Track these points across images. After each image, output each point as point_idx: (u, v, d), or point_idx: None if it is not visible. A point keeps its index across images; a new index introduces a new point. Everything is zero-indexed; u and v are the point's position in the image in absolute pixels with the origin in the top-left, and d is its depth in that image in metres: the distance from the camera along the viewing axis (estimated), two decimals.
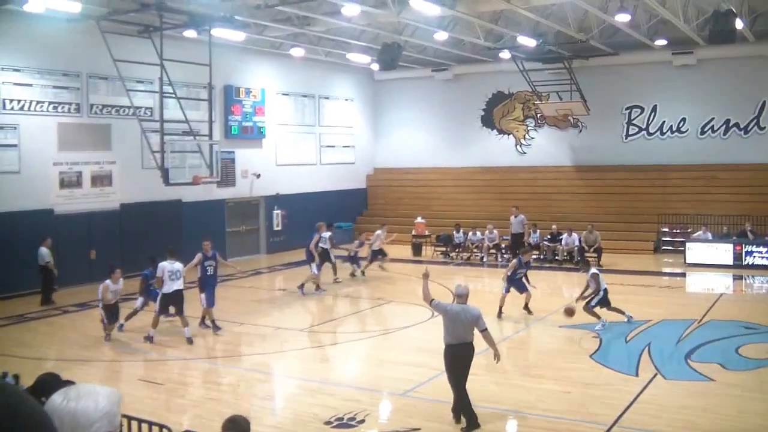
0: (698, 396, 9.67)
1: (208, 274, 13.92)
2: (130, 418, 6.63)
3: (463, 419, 8.55)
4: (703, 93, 24.41)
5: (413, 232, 24.46)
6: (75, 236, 18.25)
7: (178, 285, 12.89)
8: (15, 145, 17.68)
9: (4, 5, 15.92)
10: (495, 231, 22.86)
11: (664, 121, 25.28)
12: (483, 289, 15.06)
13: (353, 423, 8.78)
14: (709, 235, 21.46)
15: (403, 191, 28.92)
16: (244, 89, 23.75)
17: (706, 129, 24.57)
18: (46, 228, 17.23)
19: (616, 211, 24.58)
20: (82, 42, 18.26)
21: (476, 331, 8.62)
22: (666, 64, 24.40)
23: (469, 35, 22.13)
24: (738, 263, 20.32)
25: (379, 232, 20.34)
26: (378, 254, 20.12)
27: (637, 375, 10.60)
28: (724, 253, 20.58)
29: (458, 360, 8.52)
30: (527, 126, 27.89)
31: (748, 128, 23.91)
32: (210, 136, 18.17)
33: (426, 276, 8.95)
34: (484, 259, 22.69)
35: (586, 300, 13.50)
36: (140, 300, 13.98)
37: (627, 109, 25.82)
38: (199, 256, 13.91)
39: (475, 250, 23.13)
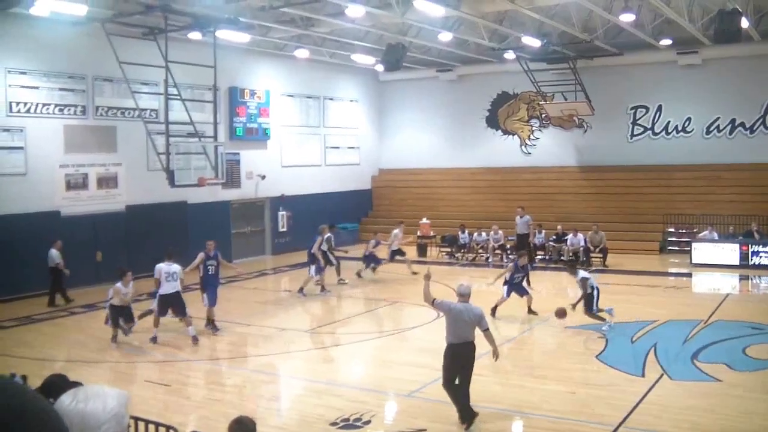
0: (705, 396, 9.64)
1: (210, 273, 14.01)
2: (136, 419, 6.65)
3: (461, 418, 8.54)
4: (709, 93, 24.36)
5: (418, 233, 24.46)
6: (81, 238, 18.28)
7: (174, 287, 12.91)
8: (21, 148, 17.76)
9: (10, 9, 15.98)
10: (500, 232, 22.84)
11: (669, 121, 25.23)
12: (488, 290, 15.03)
13: (359, 424, 8.79)
14: (715, 235, 21.39)
15: (408, 192, 28.92)
16: (248, 91, 23.80)
17: (711, 129, 24.51)
18: (53, 230, 17.29)
19: (621, 212, 24.53)
20: (87, 44, 18.33)
21: (477, 331, 8.64)
22: (671, 64, 24.36)
23: (474, 36, 22.13)
24: (744, 263, 20.26)
25: (396, 231, 20.26)
26: (396, 254, 20.00)
27: (643, 375, 10.58)
28: (730, 253, 20.52)
29: (458, 358, 8.55)
30: (532, 126, 27.88)
31: (754, 128, 23.85)
32: (215, 137, 18.22)
33: (428, 277, 8.96)
34: (490, 260, 22.68)
35: (586, 306, 13.40)
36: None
37: (632, 109, 25.78)
38: (201, 256, 13.98)
39: (480, 251, 23.12)
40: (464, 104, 28.58)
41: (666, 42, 22.61)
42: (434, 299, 8.76)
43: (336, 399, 9.84)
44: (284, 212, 24.94)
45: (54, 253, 16.57)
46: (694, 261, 20.87)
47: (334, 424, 8.80)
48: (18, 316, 15.42)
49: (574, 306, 13.48)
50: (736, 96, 23.78)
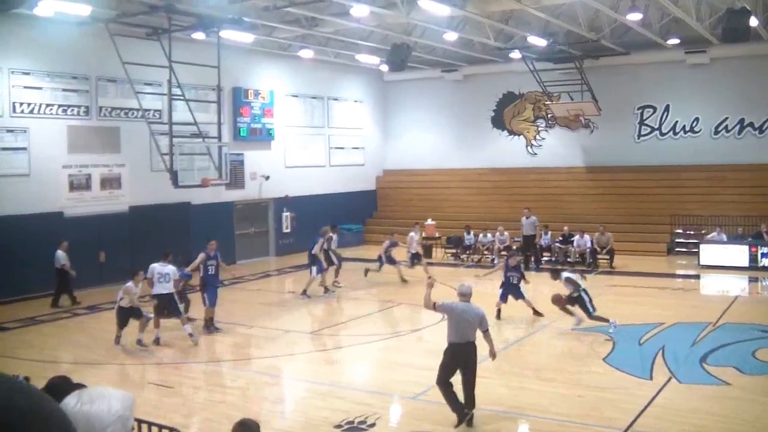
0: (714, 400, 9.60)
1: (210, 273, 14.04)
2: (140, 421, 6.65)
3: (459, 420, 8.56)
4: (717, 92, 24.29)
5: (423, 234, 24.41)
6: (84, 239, 18.29)
7: (167, 288, 12.94)
8: (25, 148, 17.81)
9: (12, 10, 16.02)
10: (506, 233, 22.80)
11: (676, 121, 25.16)
12: (494, 292, 14.97)
13: (364, 426, 8.78)
14: (724, 237, 21.31)
15: (413, 193, 28.90)
16: (252, 91, 23.82)
17: (719, 129, 24.44)
18: (56, 231, 17.33)
19: (628, 213, 24.47)
20: (91, 45, 18.38)
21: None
22: (679, 64, 24.30)
23: (479, 35, 22.11)
24: (753, 265, 20.17)
25: (412, 234, 20.05)
26: (415, 258, 19.68)
27: (651, 378, 10.54)
28: (739, 254, 20.43)
29: (458, 358, 8.57)
30: (538, 127, 27.84)
31: (763, 128, 23.77)
32: (219, 138, 18.24)
33: (430, 285, 9.01)
34: (495, 261, 22.59)
35: (585, 312, 13.34)
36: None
37: (639, 109, 25.72)
38: (202, 256, 14.04)
39: (485, 252, 23.08)
40: (469, 104, 28.56)
41: (673, 41, 22.55)
42: (434, 303, 8.81)
43: (340, 401, 9.83)
44: (288, 213, 24.94)
45: (60, 254, 16.60)
46: (702, 263, 20.77)
47: (338, 426, 8.79)
48: (21, 318, 15.45)
49: (566, 302, 13.42)
50: (744, 96, 23.70)
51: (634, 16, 18.51)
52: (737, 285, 19.01)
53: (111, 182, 19.76)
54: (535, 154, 27.86)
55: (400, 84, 29.61)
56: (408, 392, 10.14)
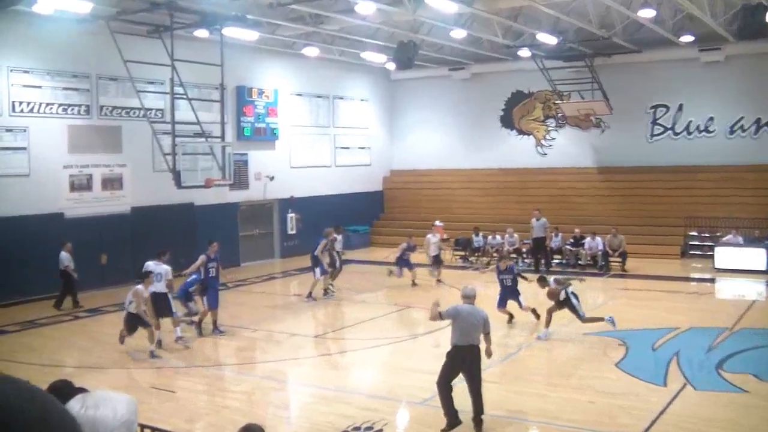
0: (731, 408, 9.53)
1: (211, 276, 14.08)
2: (143, 426, 6.64)
3: (446, 424, 8.57)
4: (732, 91, 24.18)
5: (440, 236, 24.36)
6: (85, 240, 18.35)
7: (159, 288, 13.04)
8: (24, 148, 17.86)
9: (13, 6, 16.08)
10: (515, 235, 22.76)
11: (690, 121, 25.07)
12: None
13: None
14: (740, 239, 21.22)
15: (421, 194, 28.89)
16: (256, 90, 23.85)
17: (735, 128, 24.33)
18: (56, 232, 17.37)
19: (641, 215, 24.39)
20: (91, 43, 18.43)
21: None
22: (693, 61, 24.20)
23: (488, 33, 22.08)
24: None
25: (429, 236, 19.99)
26: (437, 260, 19.66)
27: (665, 385, 10.48)
28: (755, 257, 20.30)
29: (461, 361, 8.60)
30: (548, 126, 27.78)
31: None
32: (222, 137, 18.26)
33: (436, 305, 9.03)
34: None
35: (577, 317, 13.27)
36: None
37: (652, 108, 25.64)
38: (203, 258, 14.07)
39: (494, 255, 23.01)
40: (478, 103, 28.53)
41: (687, 38, 22.45)
42: (440, 312, 8.88)
43: (346, 407, 9.81)
44: (293, 214, 24.95)
45: (64, 255, 16.62)
46: (717, 266, 20.68)
47: None
48: (21, 321, 15.48)
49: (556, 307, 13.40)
50: (760, 94, 23.58)
51: (647, 13, 18.45)
52: (754, 289, 18.90)
53: (112, 183, 19.80)
54: (545, 154, 27.81)
55: (407, 82, 29.61)
56: (415, 397, 10.11)
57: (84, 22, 17.30)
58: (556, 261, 22.24)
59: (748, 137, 24.12)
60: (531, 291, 14.67)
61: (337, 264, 18.56)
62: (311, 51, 23.96)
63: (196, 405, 10.33)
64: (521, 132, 28.23)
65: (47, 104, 18.30)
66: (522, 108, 28.13)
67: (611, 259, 21.39)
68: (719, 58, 23.80)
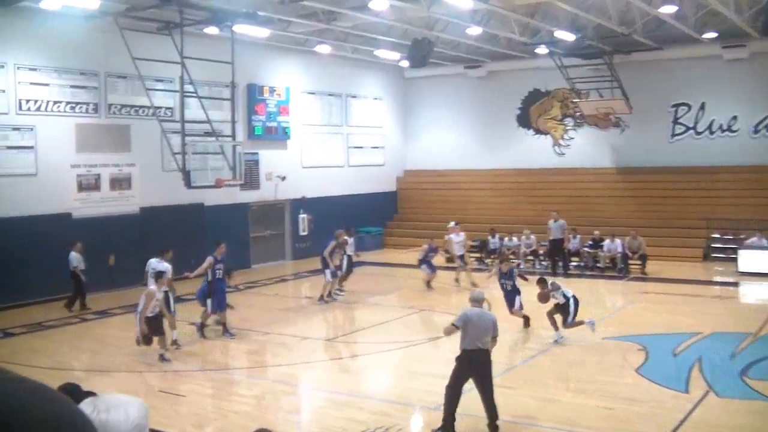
0: (756, 416, 9.46)
1: (218, 278, 14.12)
2: (152, 431, 6.68)
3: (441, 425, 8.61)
4: (756, 89, 23.99)
5: (445, 238, 24.32)
6: (93, 241, 18.45)
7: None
8: (32, 147, 17.98)
9: (19, 2, 16.21)
10: (532, 236, 22.69)
11: (713, 120, 24.89)
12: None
13: None
14: (764, 242, 21.04)
15: (435, 194, 28.86)
16: (267, 88, 23.91)
17: (759, 127, 24.13)
18: (64, 232, 17.47)
19: (661, 216, 24.24)
20: (100, 40, 18.53)
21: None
22: (715, 59, 24.03)
23: (504, 30, 22.03)
24: None
25: (452, 236, 19.89)
26: (462, 259, 19.65)
27: (687, 392, 10.40)
28: None
29: (471, 365, 8.64)
30: (566, 125, 27.68)
31: None
32: (233, 136, 18.29)
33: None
34: (521, 266, 22.47)
35: (564, 317, 13.20)
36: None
37: (673, 107, 25.48)
38: (210, 260, 14.09)
39: (511, 257, 22.91)
40: (494, 102, 28.47)
41: (710, 35, 22.30)
42: (452, 324, 8.94)
43: (359, 411, 9.82)
44: (305, 215, 24.97)
45: (74, 255, 16.71)
46: (740, 269, 20.52)
47: None
48: (28, 323, 15.58)
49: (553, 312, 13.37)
50: None
51: (668, 9, 18.35)
52: None
53: (121, 182, 19.90)
54: (563, 154, 27.70)
55: (422, 81, 29.59)
56: (429, 402, 10.08)
57: (92, 18, 17.40)
58: (574, 263, 22.15)
59: None
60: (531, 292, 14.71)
61: (344, 268, 18.53)
62: (324, 48, 23.99)
63: (204, 409, 10.37)
64: (538, 131, 28.14)
65: (55, 102, 18.42)
66: (539, 107, 28.05)
67: (631, 261, 21.28)
68: (743, 56, 23.61)
